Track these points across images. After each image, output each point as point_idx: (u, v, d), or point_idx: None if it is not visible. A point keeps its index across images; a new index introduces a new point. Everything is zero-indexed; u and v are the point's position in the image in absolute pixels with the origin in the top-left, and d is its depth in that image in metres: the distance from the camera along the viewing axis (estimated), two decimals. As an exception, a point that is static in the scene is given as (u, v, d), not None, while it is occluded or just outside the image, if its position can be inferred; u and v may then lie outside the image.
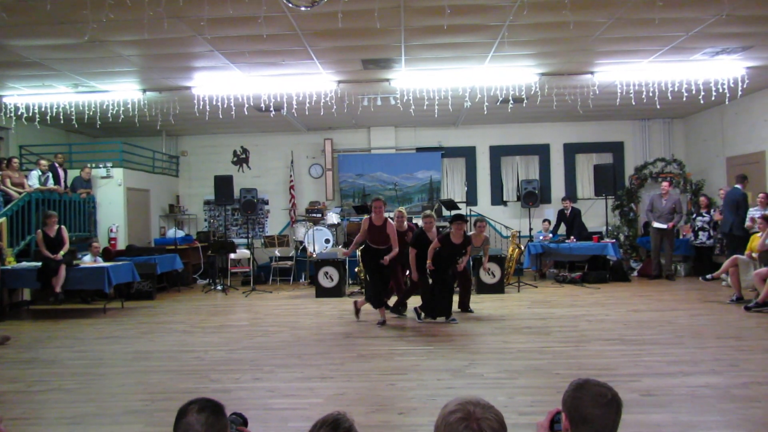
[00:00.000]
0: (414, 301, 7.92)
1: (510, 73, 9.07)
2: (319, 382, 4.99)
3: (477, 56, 8.21)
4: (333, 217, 12.72)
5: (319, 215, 12.83)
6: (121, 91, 9.65)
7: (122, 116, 10.82)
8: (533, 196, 12.54)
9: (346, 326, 6.83)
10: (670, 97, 9.81)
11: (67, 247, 8.83)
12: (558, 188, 13.85)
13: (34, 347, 6.62)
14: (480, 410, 1.52)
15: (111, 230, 11.64)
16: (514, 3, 6.22)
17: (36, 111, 10.01)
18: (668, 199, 11.16)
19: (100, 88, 9.46)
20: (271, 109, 10.49)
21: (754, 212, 9.26)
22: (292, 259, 12.36)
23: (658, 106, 10.44)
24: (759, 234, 8.45)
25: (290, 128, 13.67)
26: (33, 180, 10.31)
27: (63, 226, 9.03)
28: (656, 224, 11.09)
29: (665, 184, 11.51)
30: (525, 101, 10.84)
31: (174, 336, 7.07)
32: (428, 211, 8.13)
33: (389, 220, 7.43)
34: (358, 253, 8.78)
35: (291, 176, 13.96)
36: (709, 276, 8.90)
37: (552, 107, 11.14)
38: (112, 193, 11.78)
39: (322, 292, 9.97)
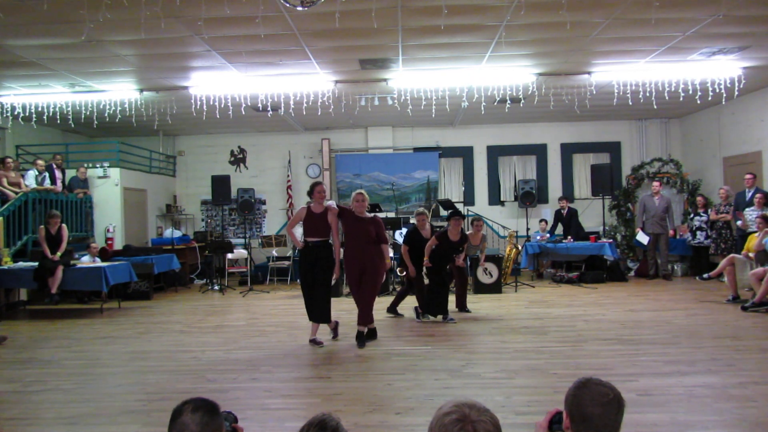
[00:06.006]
0: (410, 302, 7.93)
1: (507, 73, 9.07)
2: (316, 382, 4.99)
3: (474, 56, 8.21)
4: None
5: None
6: (118, 91, 9.64)
7: (119, 116, 10.84)
8: (530, 196, 12.57)
9: (343, 326, 6.82)
10: (666, 97, 9.82)
11: (64, 246, 8.80)
12: (555, 188, 13.87)
13: (31, 347, 6.60)
14: (476, 413, 1.52)
15: (108, 230, 11.63)
16: (511, 3, 6.22)
17: (33, 111, 9.99)
18: (660, 199, 11.20)
19: (97, 87, 9.44)
20: (269, 108, 10.48)
21: (750, 212, 9.28)
22: (289, 259, 12.35)
23: (655, 106, 10.46)
24: (756, 234, 8.47)
25: (288, 128, 13.66)
26: (30, 180, 10.29)
27: (64, 225, 9.00)
28: (641, 237, 11.23)
29: (656, 183, 11.57)
30: (522, 101, 10.86)
31: (171, 336, 7.05)
32: (421, 209, 8.09)
33: (332, 207, 6.29)
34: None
35: (288, 176, 13.95)
36: (706, 275, 8.92)
37: (549, 107, 11.17)
38: (109, 193, 11.77)
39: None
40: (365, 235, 6.34)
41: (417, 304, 7.65)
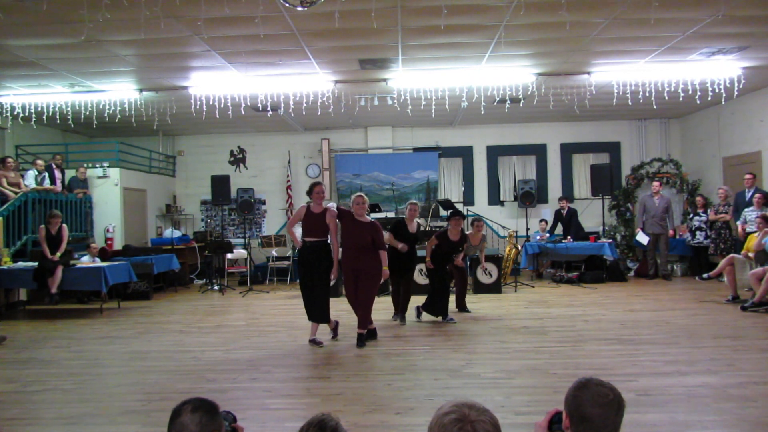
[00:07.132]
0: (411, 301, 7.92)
1: (507, 73, 9.07)
2: (316, 382, 5.00)
3: (474, 56, 8.21)
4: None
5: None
6: (117, 91, 9.63)
7: (119, 116, 10.84)
8: (530, 196, 12.57)
9: (343, 326, 6.82)
10: (666, 98, 9.82)
11: (64, 246, 8.79)
12: (555, 188, 13.87)
13: (31, 347, 6.60)
14: (475, 413, 1.53)
15: (108, 230, 11.63)
16: (510, 3, 6.23)
17: (32, 111, 9.98)
18: (660, 199, 11.21)
19: (97, 87, 9.43)
20: (268, 108, 10.48)
21: (749, 213, 9.28)
22: (289, 259, 12.34)
23: (655, 106, 10.46)
24: (756, 234, 8.47)
25: (287, 128, 13.66)
26: (29, 180, 10.28)
27: (65, 225, 8.99)
28: (641, 237, 11.22)
29: (656, 183, 11.59)
30: (522, 101, 10.86)
31: (171, 336, 7.05)
32: (414, 200, 8.04)
33: (331, 209, 6.31)
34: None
35: (288, 176, 13.95)
36: (705, 275, 8.92)
37: (549, 107, 11.17)
38: (108, 193, 11.76)
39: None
40: (361, 240, 6.27)
41: (419, 304, 7.65)
